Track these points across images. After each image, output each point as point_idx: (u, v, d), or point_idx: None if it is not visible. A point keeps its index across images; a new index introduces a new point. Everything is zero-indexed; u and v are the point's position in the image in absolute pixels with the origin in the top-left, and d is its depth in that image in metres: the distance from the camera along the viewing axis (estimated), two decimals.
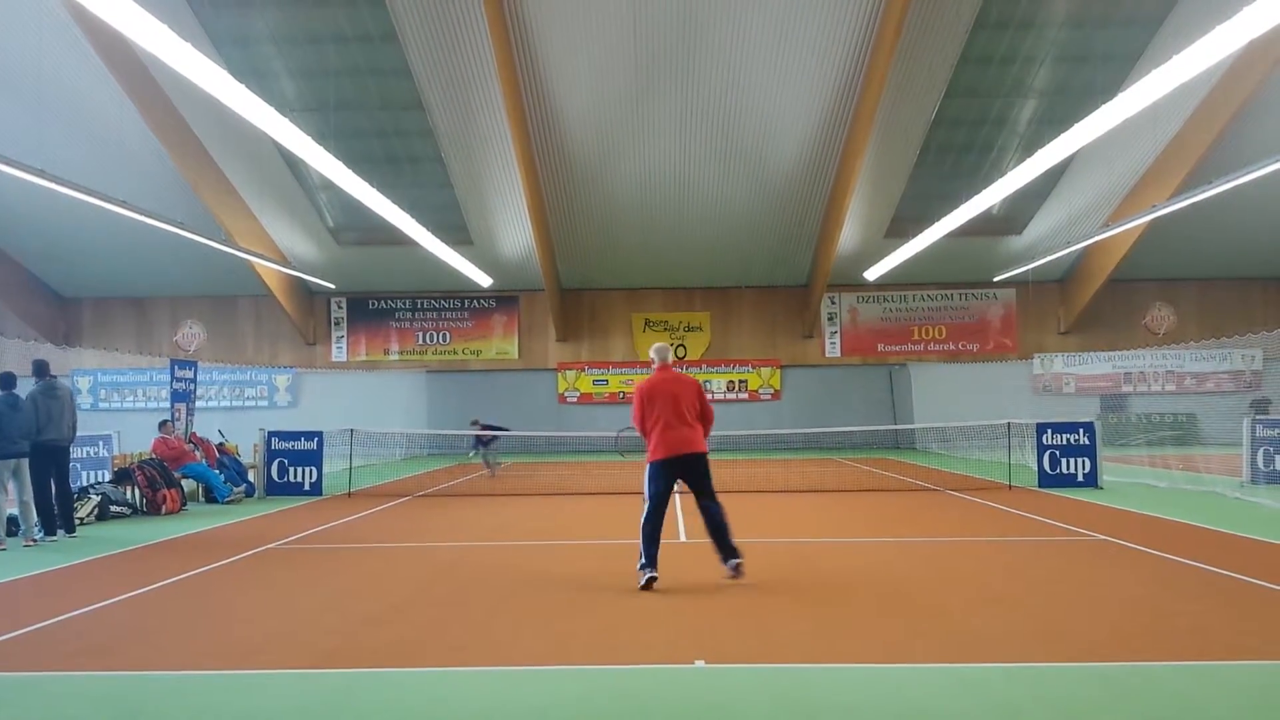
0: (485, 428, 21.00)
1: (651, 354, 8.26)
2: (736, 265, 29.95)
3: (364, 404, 28.76)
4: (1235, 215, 25.68)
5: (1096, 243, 25.24)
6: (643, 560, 7.66)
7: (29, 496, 10.89)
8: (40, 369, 11.44)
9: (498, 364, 31.61)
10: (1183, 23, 20.11)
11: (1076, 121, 13.80)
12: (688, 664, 5.42)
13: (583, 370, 31.54)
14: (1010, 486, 15.65)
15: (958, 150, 24.95)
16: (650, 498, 7.83)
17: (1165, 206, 18.32)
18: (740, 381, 31.36)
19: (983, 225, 25.65)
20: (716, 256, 29.30)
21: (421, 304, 31.68)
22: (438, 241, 21.91)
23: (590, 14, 19.47)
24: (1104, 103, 12.98)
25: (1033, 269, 25.51)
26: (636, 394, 8.03)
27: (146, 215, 17.06)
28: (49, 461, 11.33)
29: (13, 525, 10.83)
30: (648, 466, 7.89)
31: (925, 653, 5.61)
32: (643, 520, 7.76)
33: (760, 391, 31.48)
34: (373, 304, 31.69)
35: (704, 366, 31.37)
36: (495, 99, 21.18)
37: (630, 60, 20.77)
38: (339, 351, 31.73)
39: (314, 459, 16.39)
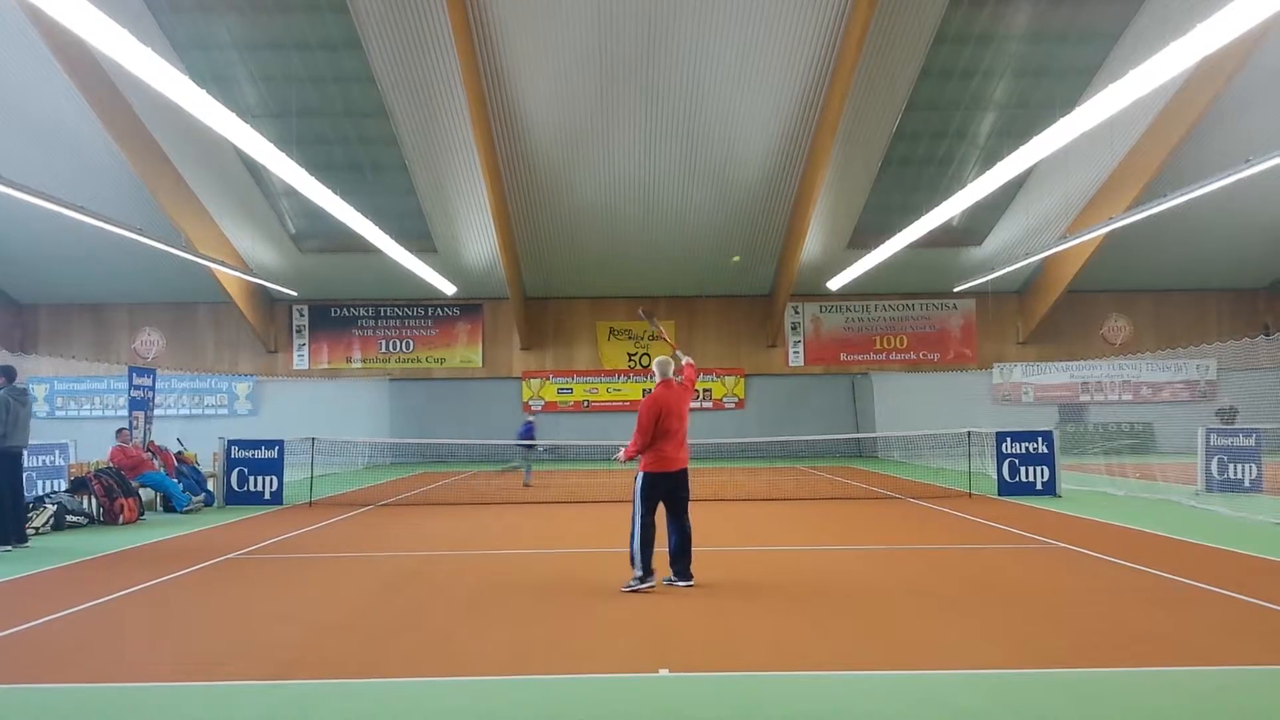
0: (525, 436, 21.10)
1: (655, 369, 8.39)
2: (700, 274, 30.06)
3: (326, 412, 28.48)
4: (1191, 228, 26.20)
5: (1054, 254, 25.64)
6: (641, 571, 7.85)
7: None
8: (9, 373, 11.20)
9: (461, 372, 31.47)
10: (1139, 38, 20.49)
11: (1035, 134, 14.03)
12: (652, 673, 5.43)
13: (547, 379, 31.47)
14: (970, 494, 15.82)
15: (919, 162, 25.23)
16: (649, 509, 8.02)
17: (1122, 219, 18.65)
18: (704, 390, 31.43)
19: (943, 236, 25.95)
20: (681, 265, 29.38)
21: (385, 311, 31.48)
22: (401, 249, 21.80)
23: (555, 23, 19.49)
24: (1062, 116, 13.20)
25: (992, 280, 25.84)
26: (651, 406, 8.05)
27: (104, 221, 16.84)
28: (11, 467, 11.13)
29: None
30: (643, 477, 8.03)
31: (887, 660, 5.66)
32: (640, 530, 7.92)
33: (725, 400, 31.58)
34: (335, 311, 31.44)
35: None
36: (460, 106, 21.13)
37: (595, 69, 20.81)
38: (300, 359, 31.45)
39: (275, 467, 16.21)
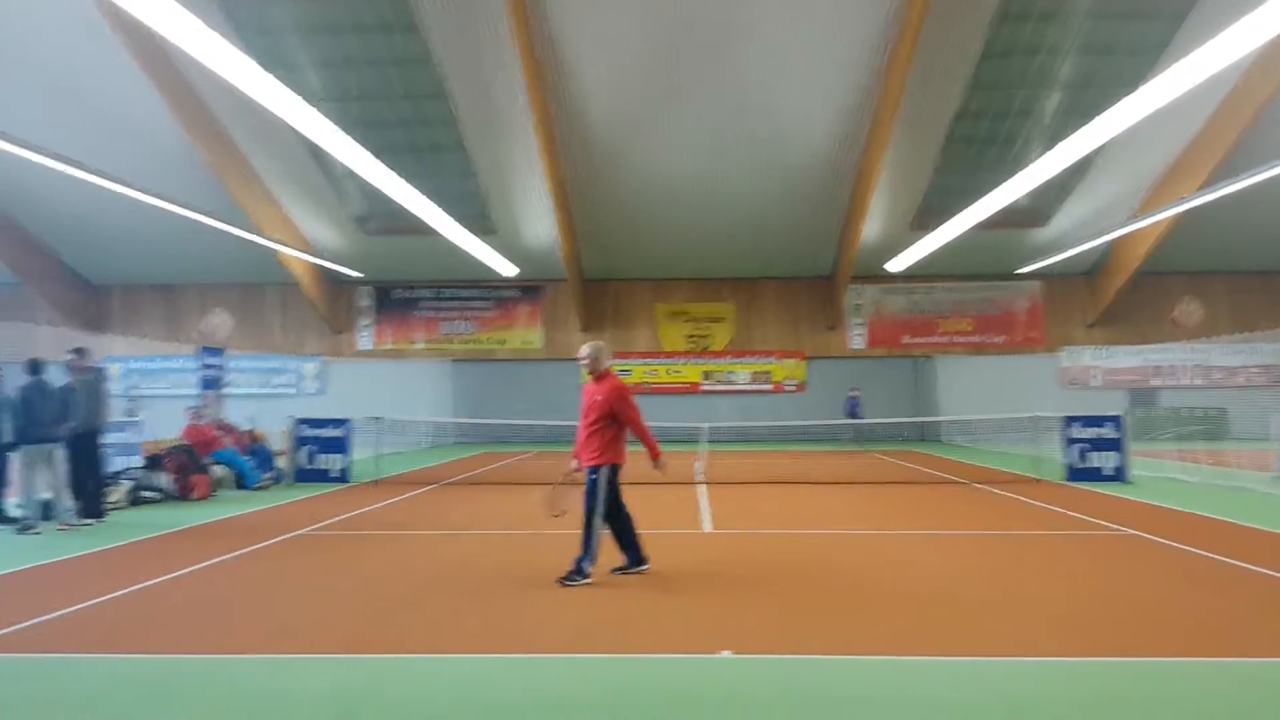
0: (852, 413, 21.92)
1: (606, 355, 8.02)
2: (760, 256, 29.87)
3: (390, 392, 28.96)
4: (1265, 208, 25.37)
5: (1124, 235, 25.02)
6: (591, 564, 7.59)
7: (62, 481, 11.07)
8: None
9: (522, 354, 31.70)
10: (1209, 13, 19.84)
11: (1102, 113, 13.68)
12: (714, 654, 5.44)
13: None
14: (1037, 480, 15.57)
15: (982, 142, 24.74)
16: (613, 499, 7.79)
17: (1193, 199, 18.13)
18: (764, 373, 31.28)
19: (1008, 217, 25.43)
20: (740, 248, 29.22)
21: (446, 293, 31.79)
22: (462, 230, 21.97)
23: (612, 1, 19.44)
24: (1130, 95, 12.86)
25: (1059, 261, 25.32)
26: (628, 392, 7.84)
27: (174, 204, 17.25)
28: (90, 447, 11.56)
29: (47, 510, 11.00)
30: (612, 468, 7.74)
31: (949, 646, 5.61)
32: (603, 521, 7.69)
33: (784, 383, 31.41)
34: (398, 293, 31.83)
35: (728, 357, 31.34)
36: (517, 86, 21.18)
37: (653, 48, 20.71)
38: (365, 340, 31.91)
39: (341, 446, 16.52)
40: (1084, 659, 5.31)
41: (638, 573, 7.79)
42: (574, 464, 8.00)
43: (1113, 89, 19.59)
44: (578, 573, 7.52)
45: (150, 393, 29.92)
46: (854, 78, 21.44)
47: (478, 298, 31.77)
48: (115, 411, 14.43)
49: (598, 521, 7.64)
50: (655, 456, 7.82)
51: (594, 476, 7.69)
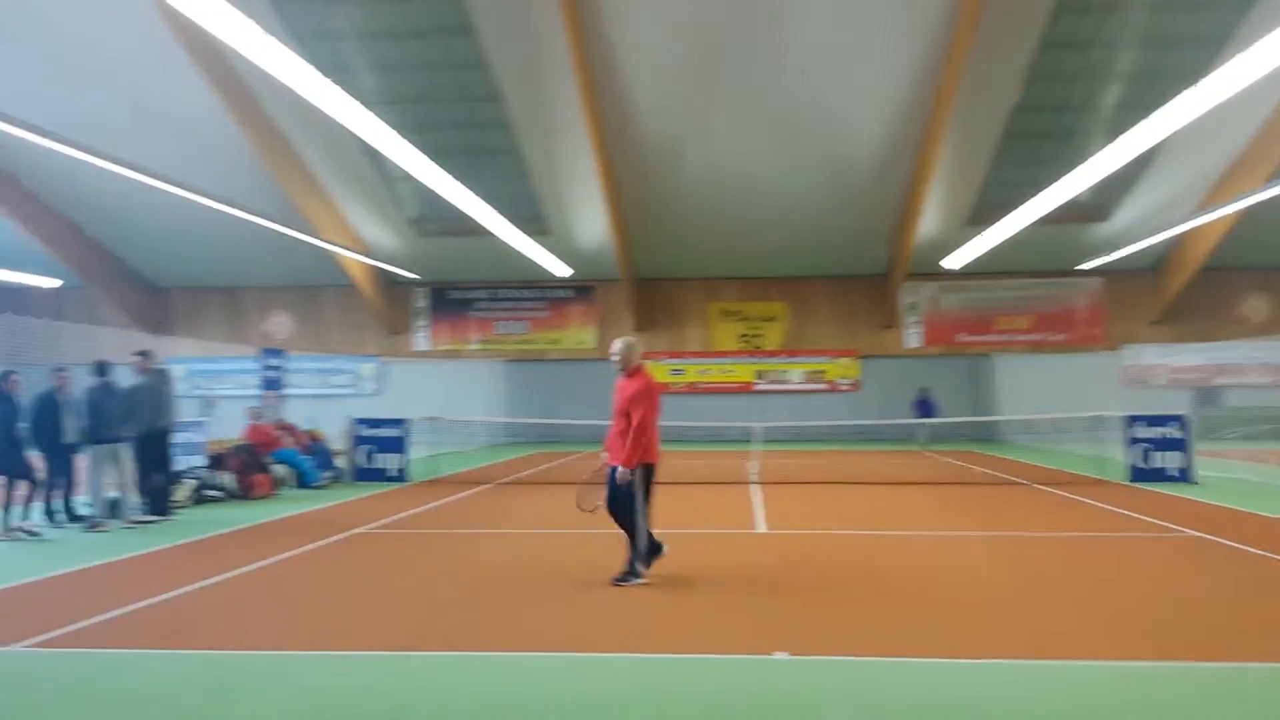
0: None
1: (638, 352, 7.81)
2: (814, 254, 29.67)
3: (446, 392, 29.25)
4: None
5: (1188, 230, 24.41)
6: (644, 562, 7.44)
7: (129, 480, 11.35)
8: (149, 356, 11.81)
9: (575, 353, 31.82)
10: (1274, 2, 19.31)
11: (1164, 106, 13.38)
12: (769, 655, 5.42)
13: (659, 360, 31.58)
14: (1100, 481, 15.28)
15: (1041, 136, 24.30)
16: (643, 499, 7.51)
17: (1259, 193, 17.65)
18: (818, 372, 31.07)
19: (1068, 212, 24.98)
20: (793, 246, 29.04)
21: (500, 294, 32.02)
22: (516, 231, 22.12)
23: (664, 2, 19.43)
24: (1192, 87, 12.56)
25: (1121, 257, 24.80)
26: (657, 391, 7.62)
27: (236, 208, 17.60)
28: (159, 446, 11.86)
29: (114, 508, 11.29)
30: (641, 470, 7.43)
31: (1008, 648, 5.53)
32: (643, 523, 7.46)
33: (839, 382, 31.16)
34: (453, 294, 32.12)
35: (781, 357, 31.18)
36: (570, 88, 21.27)
37: (705, 48, 20.67)
38: (421, 341, 32.26)
39: (399, 445, 16.73)
40: (1156, 663, 5.20)
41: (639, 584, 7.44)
42: (602, 458, 7.82)
43: (1175, 81, 19.07)
44: (632, 573, 7.46)
45: (215, 393, 30.55)
46: (909, 71, 21.20)
47: (531, 298, 31.96)
48: (185, 412, 14.75)
49: (641, 521, 7.47)
50: (627, 464, 7.37)
51: (630, 477, 7.44)
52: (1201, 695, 4.69)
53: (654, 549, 7.64)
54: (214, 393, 29.05)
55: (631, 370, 7.70)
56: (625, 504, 7.46)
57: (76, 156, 13.43)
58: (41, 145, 12.83)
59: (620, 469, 7.40)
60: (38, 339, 21.75)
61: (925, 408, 25.39)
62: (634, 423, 7.39)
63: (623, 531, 7.57)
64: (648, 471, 7.55)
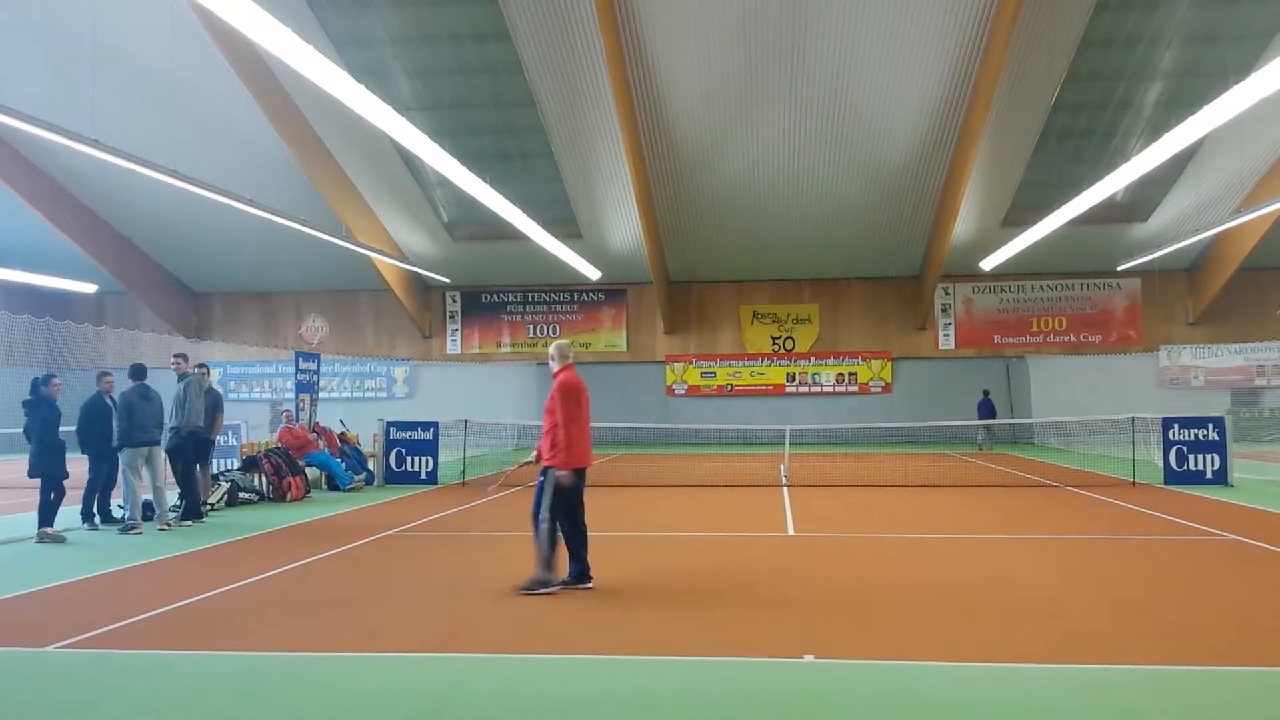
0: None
1: (563, 352, 7.74)
2: (846, 256, 29.53)
3: (477, 395, 29.35)
4: None
5: (1227, 230, 24.04)
6: (550, 571, 7.30)
7: (161, 482, 11.49)
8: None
9: (607, 356, 31.86)
10: None
11: (1205, 104, 13.20)
12: (797, 658, 5.40)
13: (691, 363, 31.55)
14: (1134, 483, 15.08)
15: (1079, 135, 24.04)
16: (559, 503, 7.43)
17: None
18: (850, 374, 30.91)
19: (1106, 212, 24.71)
20: (826, 248, 28.94)
21: (532, 297, 32.15)
22: (548, 235, 22.20)
23: (699, 5, 19.42)
24: (1235, 84, 12.38)
25: (1159, 258, 24.47)
26: (571, 389, 7.47)
27: (272, 213, 17.80)
28: (197, 448, 12.06)
29: (148, 510, 11.42)
30: (565, 473, 7.33)
31: (1040, 652, 5.48)
32: (551, 527, 7.36)
33: (871, 384, 30.98)
34: (485, 297, 32.29)
35: (813, 359, 31.05)
36: (605, 94, 21.33)
37: (738, 49, 20.64)
38: (454, 344, 32.45)
39: (430, 448, 16.84)
40: (1192, 667, 5.14)
41: (583, 589, 7.38)
42: (532, 457, 7.77)
43: (1216, 79, 18.89)
44: (538, 583, 7.27)
45: (249, 397, 30.89)
46: (945, 72, 21.04)
47: (563, 301, 32.05)
48: (228, 415, 14.90)
49: (544, 526, 7.35)
50: (552, 463, 7.34)
51: (542, 479, 7.45)
52: (1240, 699, 4.62)
53: (579, 576, 7.48)
54: (280, 401, 29.31)
55: (556, 371, 7.67)
56: (536, 508, 7.43)
57: (118, 164, 13.63)
58: (91, 155, 13.07)
59: (561, 472, 7.32)
60: (78, 344, 22.09)
61: (987, 408, 25.51)
62: (557, 421, 7.37)
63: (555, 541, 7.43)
64: (576, 476, 7.46)
